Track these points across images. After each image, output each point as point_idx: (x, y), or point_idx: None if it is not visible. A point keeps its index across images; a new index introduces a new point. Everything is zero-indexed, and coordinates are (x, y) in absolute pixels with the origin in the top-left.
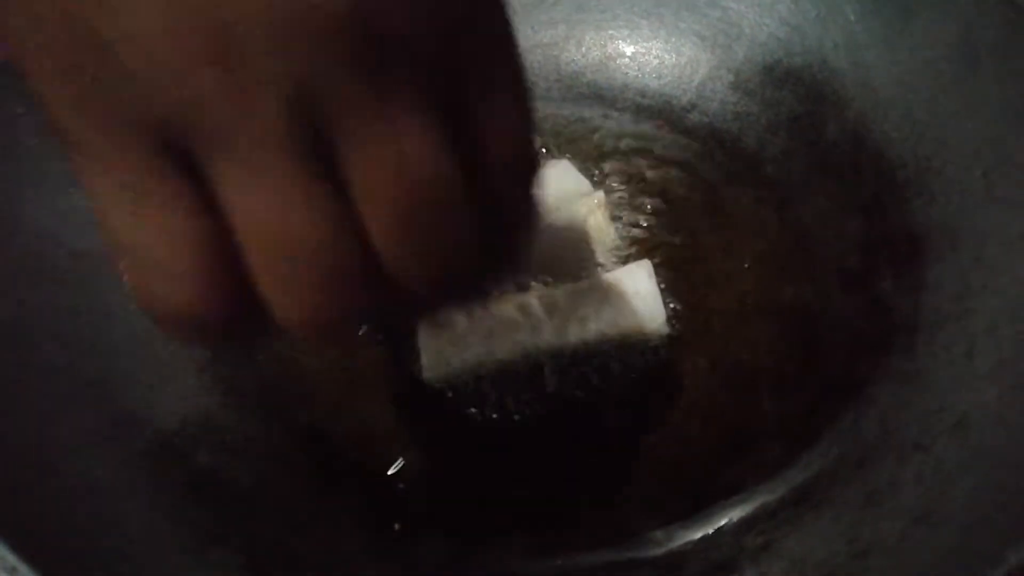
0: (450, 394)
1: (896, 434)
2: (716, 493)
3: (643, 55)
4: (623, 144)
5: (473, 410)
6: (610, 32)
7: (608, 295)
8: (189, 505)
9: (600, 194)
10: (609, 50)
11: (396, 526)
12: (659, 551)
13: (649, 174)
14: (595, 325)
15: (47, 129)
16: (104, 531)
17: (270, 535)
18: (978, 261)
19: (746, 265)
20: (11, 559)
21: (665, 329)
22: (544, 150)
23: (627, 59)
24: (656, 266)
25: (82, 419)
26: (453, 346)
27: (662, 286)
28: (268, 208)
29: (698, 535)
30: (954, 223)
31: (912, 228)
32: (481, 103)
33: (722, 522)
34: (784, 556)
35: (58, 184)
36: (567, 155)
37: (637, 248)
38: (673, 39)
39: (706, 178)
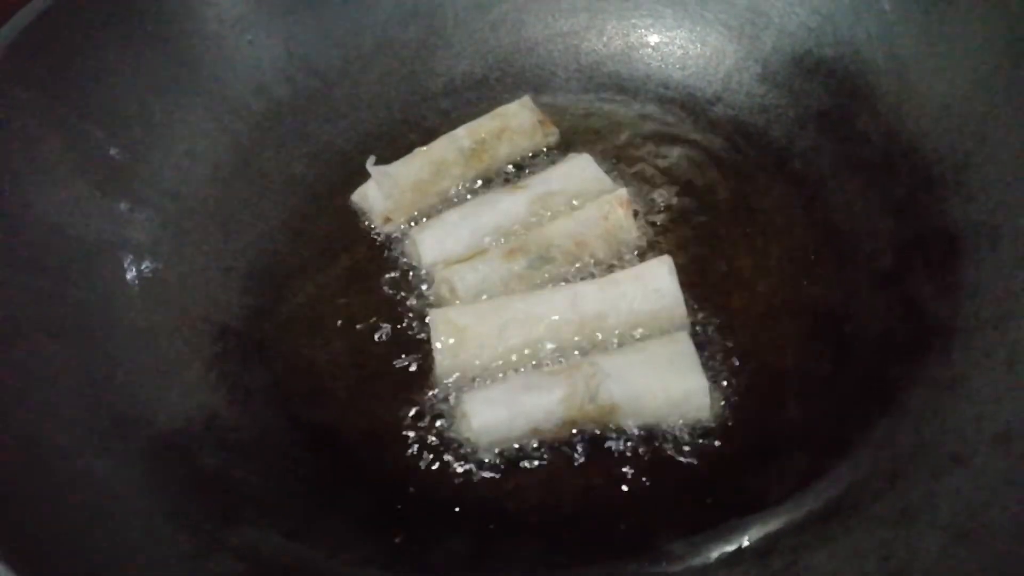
0: (462, 394)
1: (932, 445)
2: (740, 505)
3: (667, 45)
4: (645, 137)
5: None
6: (633, 21)
7: (628, 292)
8: (193, 507)
9: (622, 191)
10: (632, 39)
11: (396, 540)
12: (679, 565)
13: (672, 169)
14: (615, 322)
15: (51, 119)
16: (102, 535)
17: (275, 542)
18: (1020, 261)
19: (772, 263)
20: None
21: (686, 328)
22: (564, 144)
23: (650, 49)
24: (678, 263)
25: (82, 416)
26: (466, 343)
27: (684, 283)
28: None
29: (719, 551)
30: (994, 222)
31: (949, 227)
32: None
33: (745, 537)
34: (812, 574)
35: (63, 173)
36: (588, 149)
37: (659, 244)
38: (698, 28)
39: (731, 173)
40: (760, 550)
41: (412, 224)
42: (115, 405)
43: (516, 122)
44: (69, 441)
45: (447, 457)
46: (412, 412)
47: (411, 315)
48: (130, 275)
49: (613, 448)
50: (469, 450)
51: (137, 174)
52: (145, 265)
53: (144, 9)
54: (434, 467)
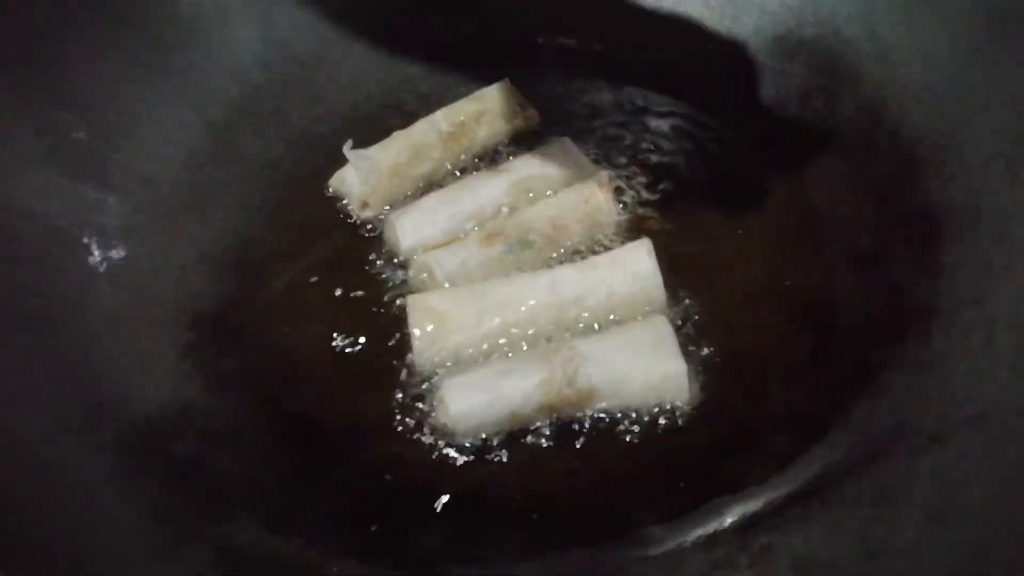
0: (440, 380)
1: (911, 426)
2: (718, 488)
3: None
4: (626, 120)
5: None
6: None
7: (607, 275)
8: (167, 497)
9: (603, 174)
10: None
11: (374, 528)
12: (658, 549)
13: (653, 151)
14: (594, 306)
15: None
16: (74, 526)
17: (250, 532)
18: (1000, 242)
19: (753, 246)
20: None
21: (665, 311)
22: (544, 127)
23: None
24: (658, 246)
25: (54, 406)
26: (444, 329)
27: (663, 266)
28: None
29: (699, 532)
30: (974, 202)
31: (929, 208)
32: None
33: (724, 518)
34: (789, 555)
35: (31, 158)
36: (568, 132)
37: (639, 227)
38: (680, 9)
39: (712, 155)
40: (739, 532)
41: (390, 208)
42: (87, 394)
43: (495, 105)
44: (40, 431)
45: (425, 444)
46: (390, 399)
47: (389, 301)
48: (102, 263)
49: (592, 433)
50: (447, 436)
51: (109, 159)
52: (116, 251)
53: None
54: (412, 454)
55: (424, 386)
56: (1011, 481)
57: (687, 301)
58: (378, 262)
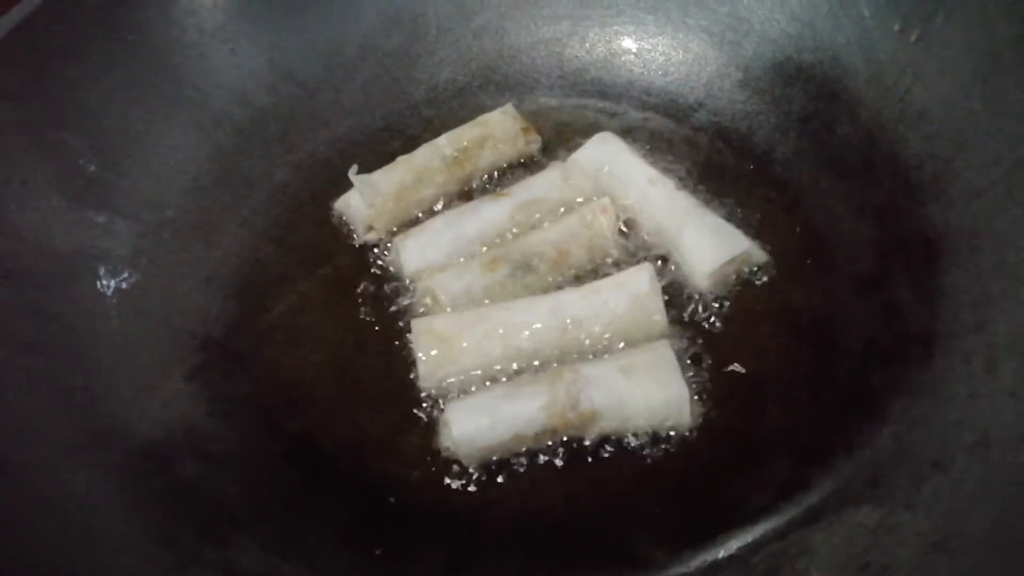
0: (444, 404)
1: (912, 451)
2: (721, 513)
3: (649, 52)
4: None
5: None
6: (615, 28)
7: (610, 299)
8: (171, 520)
9: (605, 199)
10: (614, 46)
11: (377, 551)
12: (660, 574)
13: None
14: (596, 330)
15: (28, 130)
16: (78, 549)
17: (253, 555)
18: (999, 267)
19: (754, 269)
20: None
21: (667, 335)
22: (547, 151)
23: (632, 56)
24: (660, 270)
25: (60, 429)
26: (449, 353)
27: (665, 293)
28: None
29: (701, 559)
30: (973, 227)
31: (928, 232)
32: None
33: (727, 545)
34: None
35: (39, 184)
36: (569, 156)
37: (641, 252)
38: (680, 35)
39: (713, 179)
40: (741, 558)
41: (395, 232)
42: (94, 418)
43: (499, 130)
44: (45, 454)
45: (428, 467)
46: (394, 422)
47: (393, 324)
48: (109, 287)
49: (595, 456)
50: (451, 459)
51: (116, 185)
52: (124, 276)
53: (123, 19)
54: (415, 477)
55: (428, 409)
56: (1012, 508)
57: (687, 323)
58: (383, 285)
